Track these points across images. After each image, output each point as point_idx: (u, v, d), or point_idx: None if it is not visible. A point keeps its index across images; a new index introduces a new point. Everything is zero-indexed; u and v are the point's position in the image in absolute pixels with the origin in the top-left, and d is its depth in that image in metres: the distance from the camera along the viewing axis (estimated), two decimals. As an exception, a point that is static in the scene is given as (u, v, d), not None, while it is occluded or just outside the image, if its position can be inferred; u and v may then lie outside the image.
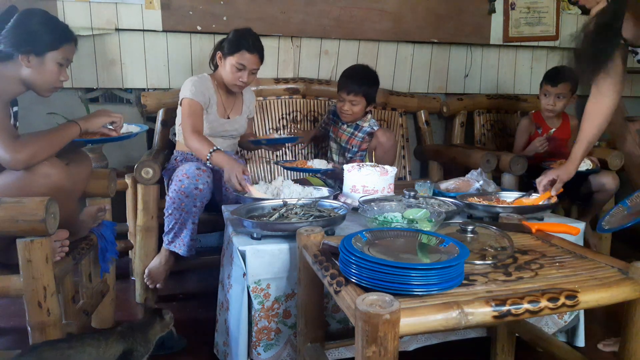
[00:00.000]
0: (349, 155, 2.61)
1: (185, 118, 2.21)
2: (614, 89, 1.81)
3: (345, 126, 2.59)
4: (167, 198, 2.11)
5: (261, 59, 2.31)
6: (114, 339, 1.41)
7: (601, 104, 1.84)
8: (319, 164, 2.38)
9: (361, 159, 2.62)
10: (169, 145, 2.52)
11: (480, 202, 1.82)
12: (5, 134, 1.47)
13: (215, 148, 2.08)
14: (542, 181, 1.91)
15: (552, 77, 2.66)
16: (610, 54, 1.67)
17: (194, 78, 2.33)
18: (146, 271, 2.20)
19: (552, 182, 1.90)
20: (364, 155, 2.64)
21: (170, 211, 2.11)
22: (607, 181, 2.52)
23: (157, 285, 2.19)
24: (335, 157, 2.66)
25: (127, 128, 1.89)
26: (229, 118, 2.42)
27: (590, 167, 2.52)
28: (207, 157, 2.07)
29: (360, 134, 2.56)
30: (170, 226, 2.12)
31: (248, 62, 2.25)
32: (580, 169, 2.50)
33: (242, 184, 1.93)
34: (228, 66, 2.27)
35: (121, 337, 1.42)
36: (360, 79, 2.47)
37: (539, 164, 2.54)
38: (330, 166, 2.38)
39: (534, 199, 1.87)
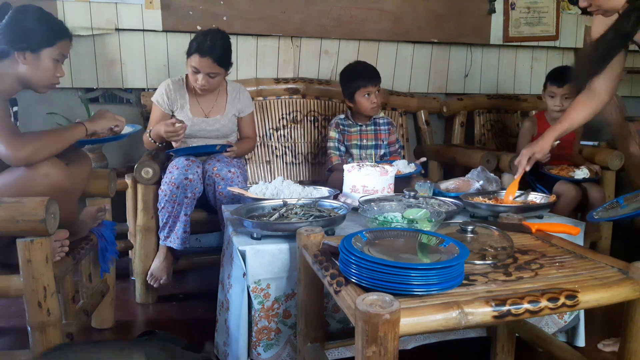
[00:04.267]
0: (382, 150, 2.60)
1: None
2: (607, 89, 1.84)
3: (364, 127, 2.59)
4: (159, 191, 2.14)
5: (219, 62, 2.23)
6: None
7: (593, 98, 1.87)
8: (403, 166, 2.31)
9: (398, 154, 2.62)
10: (169, 145, 2.52)
11: (484, 201, 1.83)
12: (6, 131, 1.47)
13: (151, 129, 2.28)
14: (521, 162, 1.97)
15: (558, 78, 2.63)
16: (613, 57, 1.67)
17: (166, 80, 2.40)
18: (148, 273, 2.21)
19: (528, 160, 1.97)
20: (397, 149, 2.63)
21: (162, 204, 2.13)
22: (594, 195, 2.50)
23: (162, 281, 2.20)
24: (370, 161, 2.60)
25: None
26: (207, 117, 2.40)
27: (587, 176, 2.51)
28: (150, 137, 2.28)
29: (383, 127, 2.61)
30: (164, 220, 2.14)
31: (200, 65, 2.21)
32: (577, 177, 2.51)
33: (174, 127, 2.18)
34: (188, 68, 2.28)
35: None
36: (375, 69, 2.54)
37: (539, 166, 2.54)
38: (412, 166, 2.32)
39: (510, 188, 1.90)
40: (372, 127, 2.61)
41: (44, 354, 1.34)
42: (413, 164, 2.36)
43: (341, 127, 2.58)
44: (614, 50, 1.66)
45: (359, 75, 2.49)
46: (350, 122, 2.60)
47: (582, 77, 1.82)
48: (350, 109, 2.61)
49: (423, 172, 2.42)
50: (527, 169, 1.96)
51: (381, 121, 2.63)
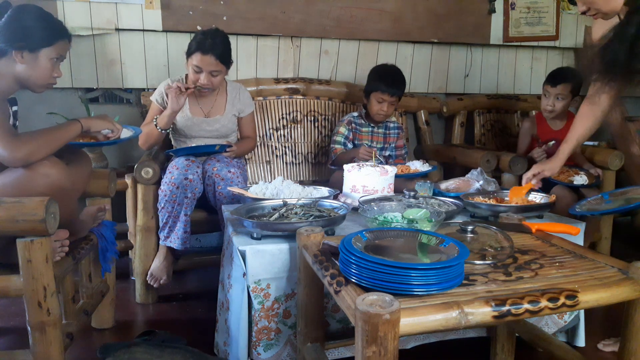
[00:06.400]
0: (388, 152, 2.65)
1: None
2: (608, 96, 1.82)
3: (375, 128, 2.64)
4: (159, 192, 2.14)
5: (221, 60, 2.23)
6: None
7: (595, 106, 1.87)
8: (420, 164, 2.38)
9: (403, 159, 2.67)
10: (169, 145, 2.53)
11: (484, 201, 1.83)
12: (4, 131, 1.47)
13: (155, 118, 2.28)
14: (527, 173, 2.01)
15: (553, 77, 2.65)
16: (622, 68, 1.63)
17: (166, 80, 2.39)
18: (148, 273, 2.20)
19: (536, 175, 2.00)
20: (404, 154, 2.68)
21: (162, 204, 2.13)
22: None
23: (162, 281, 2.20)
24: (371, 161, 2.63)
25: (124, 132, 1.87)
26: (207, 117, 2.39)
27: (586, 183, 2.50)
28: (155, 125, 2.26)
29: (393, 131, 2.67)
30: (164, 220, 2.14)
31: (202, 63, 2.21)
32: (576, 182, 2.50)
33: (180, 88, 2.19)
34: (189, 68, 2.27)
35: None
36: (401, 81, 2.56)
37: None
38: (427, 165, 2.39)
39: (516, 188, 1.93)
40: (383, 130, 2.66)
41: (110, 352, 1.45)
42: (427, 164, 2.42)
43: (353, 125, 2.62)
44: (623, 63, 1.61)
45: (383, 79, 2.53)
46: (363, 121, 2.64)
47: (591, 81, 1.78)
48: (365, 108, 2.65)
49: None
50: (534, 182, 1.98)
51: (392, 125, 2.68)
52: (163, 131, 2.28)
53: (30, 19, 1.58)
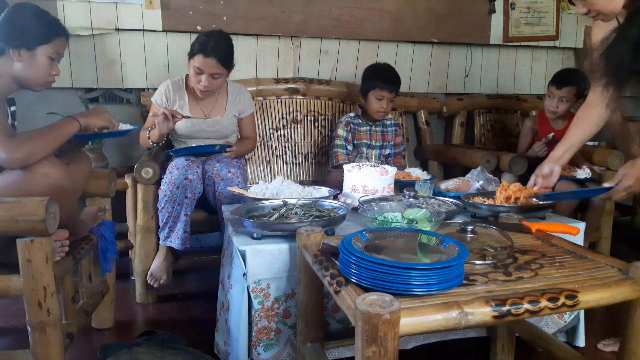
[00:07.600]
0: (387, 150, 2.66)
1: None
2: (602, 100, 1.79)
3: (373, 127, 2.64)
4: (159, 192, 2.14)
5: (223, 63, 2.23)
6: None
7: (592, 111, 1.84)
8: (420, 173, 2.33)
9: (402, 157, 2.68)
10: (169, 145, 2.53)
11: (484, 201, 1.82)
12: (2, 132, 1.47)
13: (151, 128, 2.29)
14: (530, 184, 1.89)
15: (558, 79, 2.65)
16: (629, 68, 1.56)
17: (166, 81, 2.39)
18: (148, 273, 2.20)
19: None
20: (402, 151, 2.68)
21: (162, 204, 2.13)
22: (595, 198, 2.49)
23: (162, 281, 2.20)
24: (371, 161, 2.63)
25: (121, 127, 1.86)
26: (207, 118, 2.39)
27: (589, 176, 2.50)
28: (148, 137, 2.28)
29: (390, 128, 2.68)
30: (164, 220, 2.15)
31: (204, 65, 2.21)
32: (579, 176, 2.50)
33: (167, 115, 2.19)
34: (191, 69, 2.27)
35: None
36: (398, 79, 2.57)
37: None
38: (426, 174, 2.33)
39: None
40: (381, 129, 2.67)
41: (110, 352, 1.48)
42: (426, 172, 2.38)
43: (351, 125, 2.62)
44: (627, 64, 1.58)
45: (380, 76, 2.54)
46: (361, 121, 2.64)
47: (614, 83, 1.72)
48: (362, 108, 2.65)
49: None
50: (536, 188, 1.85)
51: (388, 122, 2.68)
52: (155, 145, 2.29)
53: (27, 17, 1.58)
